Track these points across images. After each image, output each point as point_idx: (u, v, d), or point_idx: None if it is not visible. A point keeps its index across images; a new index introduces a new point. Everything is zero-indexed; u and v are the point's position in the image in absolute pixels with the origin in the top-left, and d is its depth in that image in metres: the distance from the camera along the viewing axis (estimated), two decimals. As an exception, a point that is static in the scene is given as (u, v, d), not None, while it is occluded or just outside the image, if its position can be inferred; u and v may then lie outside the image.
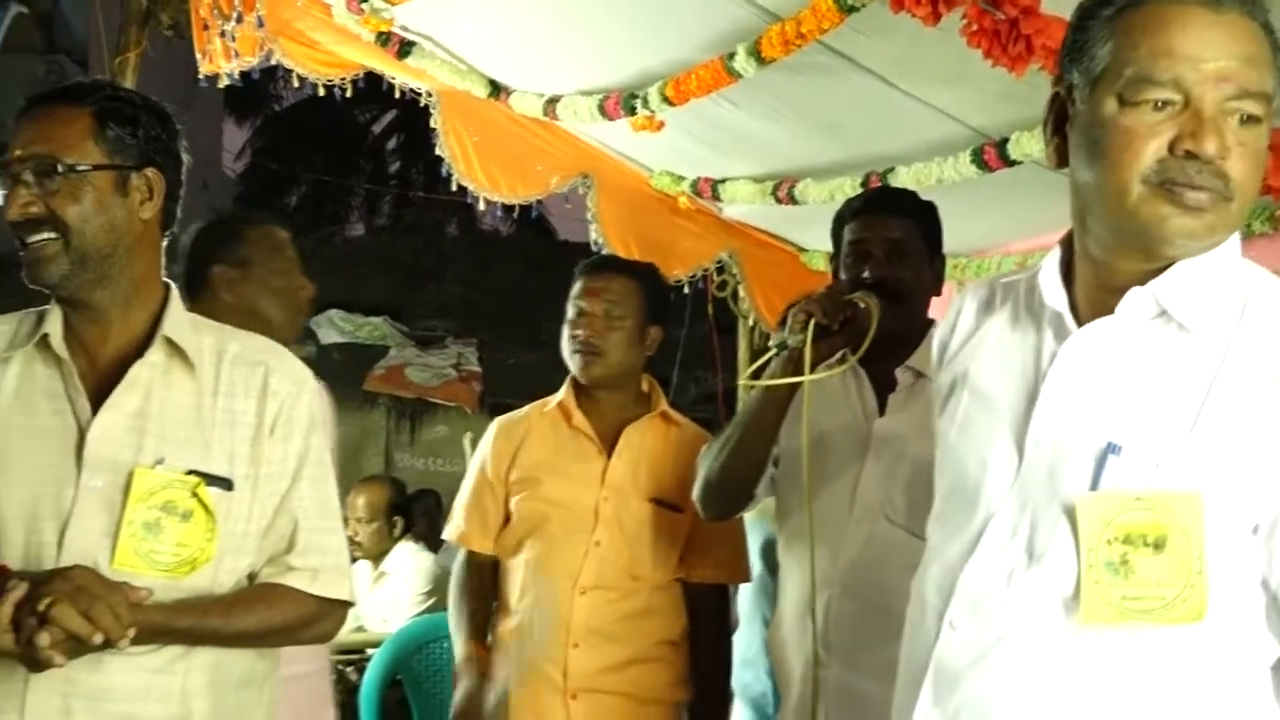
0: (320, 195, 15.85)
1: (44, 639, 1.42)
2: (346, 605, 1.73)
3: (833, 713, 2.06)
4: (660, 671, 2.47)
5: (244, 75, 3.93)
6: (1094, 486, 1.18)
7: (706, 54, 3.03)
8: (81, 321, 1.64)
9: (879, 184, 3.41)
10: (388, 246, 12.30)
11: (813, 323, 2.04)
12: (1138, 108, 1.17)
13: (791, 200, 3.79)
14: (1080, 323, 1.26)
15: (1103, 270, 1.25)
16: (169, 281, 1.70)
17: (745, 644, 3.10)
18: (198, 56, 3.83)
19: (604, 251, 4.15)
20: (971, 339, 1.38)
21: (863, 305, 2.05)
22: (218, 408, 1.64)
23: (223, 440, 1.63)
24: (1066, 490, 1.20)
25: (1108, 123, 1.19)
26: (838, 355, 2.09)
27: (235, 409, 1.65)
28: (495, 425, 2.63)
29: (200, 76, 3.89)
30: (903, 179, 3.32)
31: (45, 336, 1.62)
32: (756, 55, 2.79)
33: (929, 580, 1.31)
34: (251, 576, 1.66)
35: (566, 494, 2.47)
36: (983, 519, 1.25)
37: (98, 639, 1.45)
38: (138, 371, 1.61)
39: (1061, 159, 1.27)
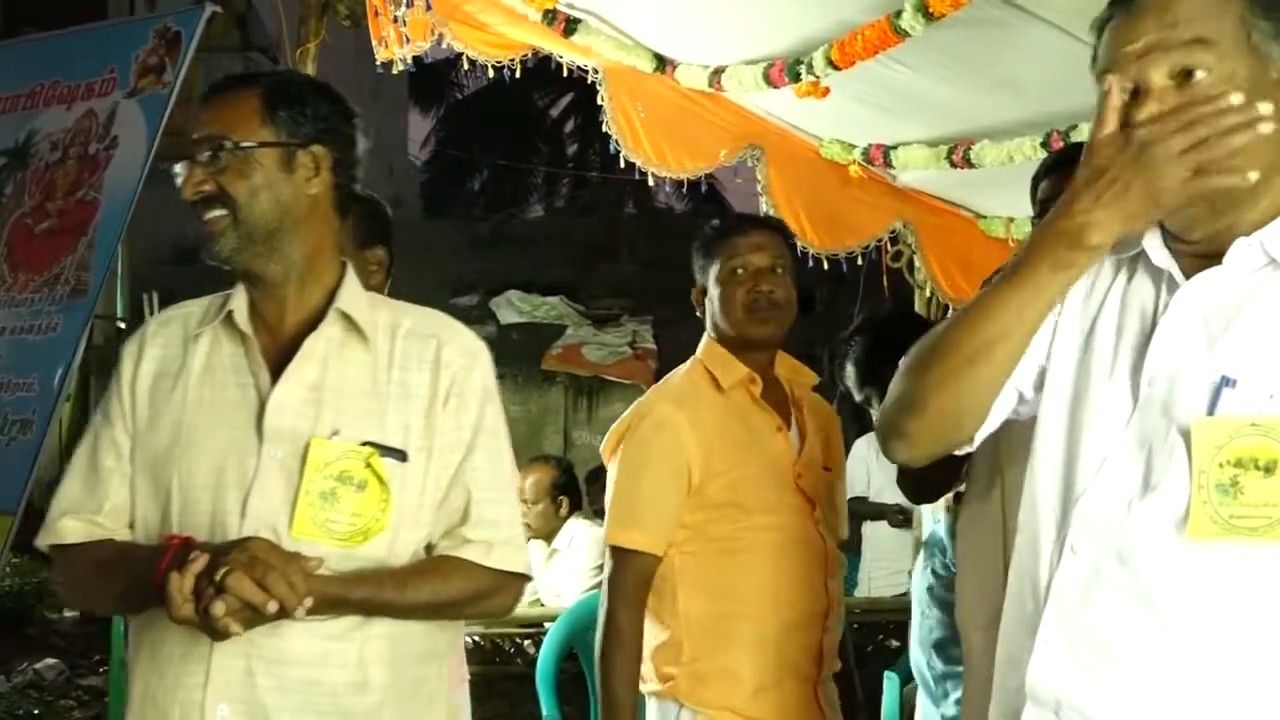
0: (501, 179, 16.22)
1: (219, 607, 1.46)
2: (523, 579, 1.71)
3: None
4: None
5: (421, 64, 4.02)
6: (1210, 414, 1.24)
7: (872, 15, 2.93)
8: (261, 298, 1.70)
9: (1060, 141, 3.25)
10: (564, 227, 12.49)
11: None
12: (1108, 99, 1.28)
13: (967, 164, 3.66)
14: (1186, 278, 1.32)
15: (1184, 244, 1.32)
16: (345, 260, 1.75)
17: (927, 628, 3.02)
18: (374, 44, 3.94)
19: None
20: (1089, 300, 1.41)
21: None
22: (392, 380, 1.66)
23: (397, 412, 1.65)
24: (1183, 420, 1.26)
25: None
26: None
27: (409, 381, 1.67)
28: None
29: (377, 63, 3.99)
30: (1086, 136, 3.15)
31: (230, 313, 1.68)
32: (924, 11, 2.69)
33: (1041, 514, 1.34)
34: (430, 549, 1.67)
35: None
36: (1099, 457, 1.30)
37: (272, 607, 1.48)
38: (313, 344, 1.65)
39: None
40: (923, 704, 3.07)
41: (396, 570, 1.63)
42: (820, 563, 2.33)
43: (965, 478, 2.22)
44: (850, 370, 2.90)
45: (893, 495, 4.53)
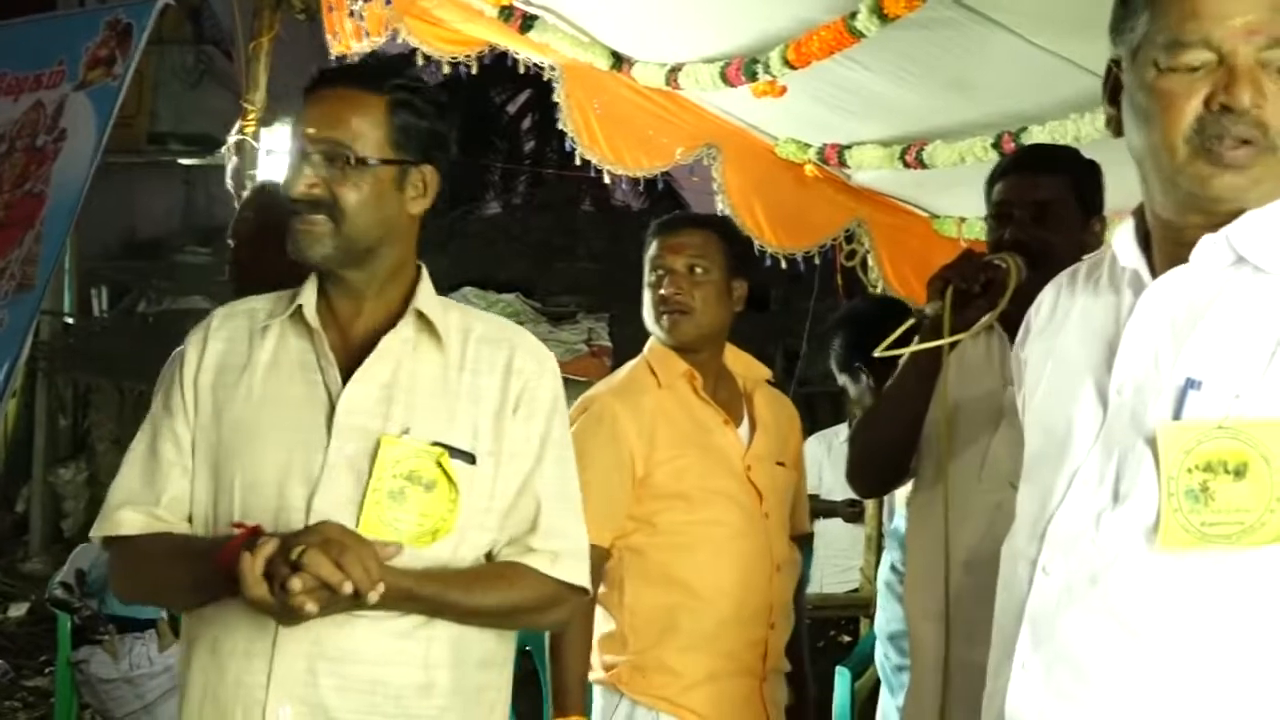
0: (457, 176, 16.13)
1: (296, 584, 1.43)
2: (583, 592, 1.70)
3: (960, 688, 2.01)
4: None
5: (377, 57, 3.99)
6: (1175, 419, 1.21)
7: (829, 13, 2.95)
8: (337, 295, 1.68)
9: (1011, 143, 3.29)
10: (521, 224, 12.47)
11: (950, 289, 1.98)
12: (1174, 72, 1.20)
13: (920, 164, 3.69)
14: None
15: (1174, 230, 1.26)
16: (420, 263, 1.73)
17: (884, 619, 3.05)
18: (328, 38, 3.91)
19: (731, 223, 4.10)
20: (1055, 315, 1.41)
21: (1002, 265, 1.99)
22: (463, 383, 1.65)
23: (467, 414, 1.63)
24: (1149, 427, 1.22)
25: (1149, 88, 1.22)
26: (983, 321, 2.02)
27: (480, 385, 1.66)
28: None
29: (332, 58, 3.97)
30: (1037, 137, 3.20)
31: (300, 308, 1.66)
32: (879, 12, 2.71)
33: (1019, 536, 1.33)
34: (490, 556, 1.65)
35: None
36: (1070, 471, 1.27)
37: (348, 588, 1.45)
38: (389, 343, 1.64)
39: (1119, 128, 1.29)
40: (883, 695, 3.11)
41: (463, 572, 1.61)
42: (766, 557, 2.35)
43: (914, 473, 2.25)
44: (832, 359, 3.03)
45: (843, 492, 4.57)
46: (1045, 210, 2.09)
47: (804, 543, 2.57)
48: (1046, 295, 1.45)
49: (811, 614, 3.12)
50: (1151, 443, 1.21)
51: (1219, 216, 1.23)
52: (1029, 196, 2.11)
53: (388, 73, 1.68)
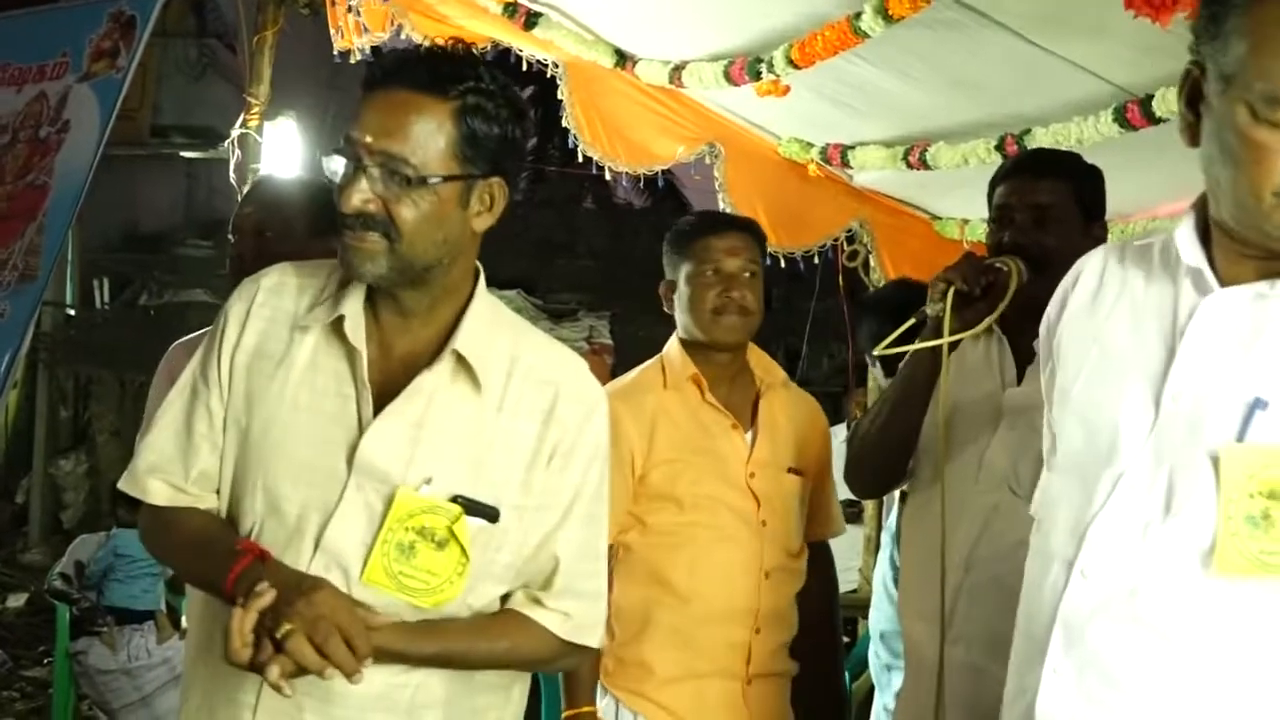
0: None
1: (274, 672, 1.38)
2: (594, 650, 1.65)
3: (954, 688, 2.01)
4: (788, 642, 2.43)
5: (380, 54, 3.99)
6: (1240, 439, 1.17)
7: (834, 6, 2.95)
8: (385, 309, 1.57)
9: (1014, 146, 3.29)
10: (523, 221, 12.45)
11: (951, 291, 1.98)
12: (1272, 126, 1.15)
13: (923, 165, 3.69)
14: (1220, 280, 1.24)
15: (1239, 240, 1.23)
16: (479, 265, 1.60)
17: (877, 618, 3.06)
18: (332, 33, 3.92)
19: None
20: (1101, 296, 1.36)
21: (1003, 267, 2.00)
22: (498, 426, 1.55)
23: (496, 464, 1.54)
24: (1210, 443, 1.18)
25: (1239, 131, 1.17)
26: (983, 323, 2.02)
27: (516, 429, 1.56)
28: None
29: (335, 53, 3.97)
30: (1040, 140, 3.20)
31: (341, 318, 1.55)
32: (884, 13, 2.71)
33: (1055, 533, 1.29)
34: (504, 596, 1.60)
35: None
36: (1116, 472, 1.24)
37: (329, 673, 1.40)
38: (423, 381, 1.54)
39: (1194, 138, 1.24)
40: (876, 693, 3.13)
41: (465, 625, 1.55)
42: (755, 562, 2.34)
43: (911, 474, 2.25)
44: (861, 342, 3.07)
45: (842, 492, 4.57)
46: (1045, 214, 2.10)
47: (824, 551, 2.52)
48: (1089, 271, 1.40)
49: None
50: (1213, 461, 1.17)
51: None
52: (1029, 200, 2.11)
53: (457, 74, 1.50)
